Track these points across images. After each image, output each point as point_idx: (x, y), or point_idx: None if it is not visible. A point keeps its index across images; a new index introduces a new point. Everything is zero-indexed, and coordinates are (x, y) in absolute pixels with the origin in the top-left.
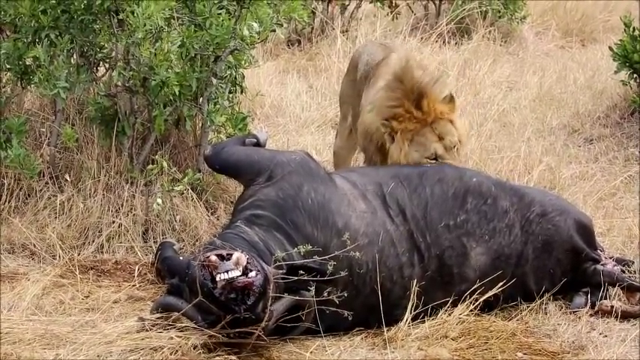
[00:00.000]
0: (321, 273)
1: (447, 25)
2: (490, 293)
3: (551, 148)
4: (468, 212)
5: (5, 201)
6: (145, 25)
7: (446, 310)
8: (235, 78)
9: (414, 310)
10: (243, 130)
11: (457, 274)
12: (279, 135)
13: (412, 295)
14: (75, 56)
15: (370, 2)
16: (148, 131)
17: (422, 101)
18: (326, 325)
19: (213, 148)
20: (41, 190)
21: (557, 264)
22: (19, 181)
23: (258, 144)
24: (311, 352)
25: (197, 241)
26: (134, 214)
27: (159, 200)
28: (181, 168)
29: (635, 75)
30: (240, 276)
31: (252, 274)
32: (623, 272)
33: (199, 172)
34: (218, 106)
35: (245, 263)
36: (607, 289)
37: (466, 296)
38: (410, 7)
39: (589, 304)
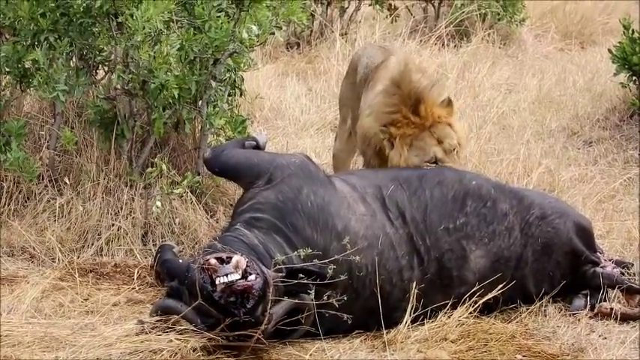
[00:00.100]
0: (320, 276)
1: (446, 27)
2: (489, 296)
3: (551, 151)
4: (467, 215)
5: (5, 204)
6: (144, 28)
7: (445, 313)
8: (234, 81)
9: (414, 313)
10: (242, 133)
11: (456, 277)
12: (279, 138)
13: (412, 298)
14: (74, 59)
15: (369, 5)
16: (147, 134)
17: (419, 106)
18: (325, 328)
19: (213, 151)
20: (40, 193)
21: (556, 266)
22: (18, 184)
23: (257, 147)
24: (310, 355)
25: (196, 244)
26: (133, 217)
27: (158, 203)
28: (181, 171)
29: (634, 77)
30: (240, 279)
31: (252, 277)
32: (623, 274)
33: (199, 174)
34: (217, 108)
35: (245, 266)
36: (606, 292)
37: (465, 299)
38: (409, 10)
39: (588, 306)
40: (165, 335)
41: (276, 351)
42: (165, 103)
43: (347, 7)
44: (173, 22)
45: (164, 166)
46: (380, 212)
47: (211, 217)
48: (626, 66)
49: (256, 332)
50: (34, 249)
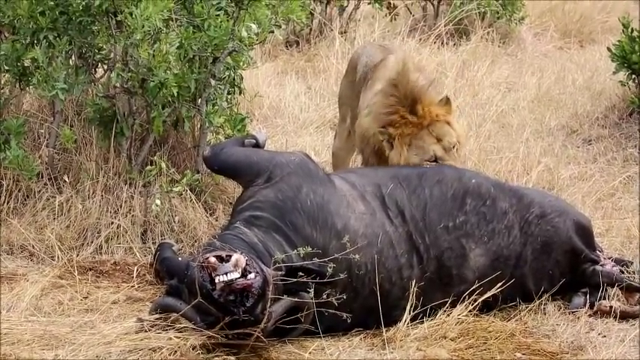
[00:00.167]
0: (320, 274)
1: (445, 26)
2: (489, 294)
3: (550, 149)
4: (467, 213)
5: (4, 202)
6: (143, 26)
7: (445, 311)
8: (234, 79)
9: (413, 311)
10: (241, 131)
11: (456, 275)
12: (278, 136)
13: (411, 296)
14: (73, 57)
15: (368, 3)
16: (146, 132)
17: (416, 106)
18: (325, 326)
19: (212, 149)
20: (40, 191)
21: (556, 265)
22: (17, 182)
23: (257, 145)
24: (310, 353)
25: (196, 242)
26: (133, 215)
27: (157, 201)
28: (180, 169)
29: (633, 76)
30: (239, 278)
31: (251, 275)
32: (622, 273)
33: (198, 173)
34: (217, 107)
35: (244, 265)
36: (606, 290)
37: (465, 297)
38: (408, 9)
39: (588, 304)
40: (165, 333)
41: (276, 349)
42: (164, 101)
43: (346, 6)
44: (172, 20)
45: (163, 164)
46: (379, 210)
47: (211, 215)
48: (626, 64)
49: (256, 330)
50: (33, 247)
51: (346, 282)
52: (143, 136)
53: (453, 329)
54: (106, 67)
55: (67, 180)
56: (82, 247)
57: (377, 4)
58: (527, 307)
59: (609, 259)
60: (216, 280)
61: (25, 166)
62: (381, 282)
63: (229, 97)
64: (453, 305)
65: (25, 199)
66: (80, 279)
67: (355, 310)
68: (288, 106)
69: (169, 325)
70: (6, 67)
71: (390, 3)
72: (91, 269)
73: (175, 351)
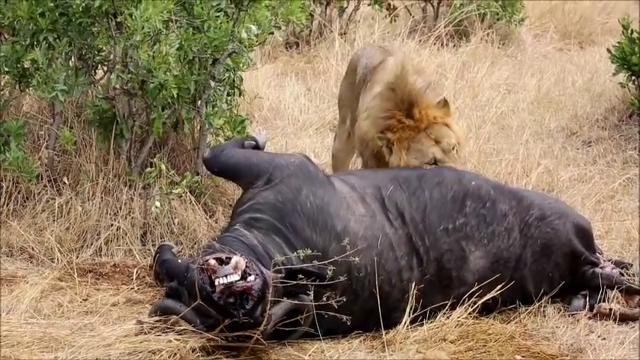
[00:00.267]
0: (320, 277)
1: (445, 27)
2: (488, 296)
3: (550, 151)
4: (466, 216)
5: (4, 204)
6: (143, 27)
7: (444, 313)
8: (234, 81)
9: (413, 314)
10: (241, 133)
11: (456, 278)
12: (278, 138)
13: (411, 299)
14: (73, 59)
15: (368, 5)
16: (146, 134)
17: (413, 110)
18: (325, 328)
19: (212, 151)
20: (39, 193)
21: (555, 267)
22: (17, 184)
23: (257, 147)
24: (309, 356)
25: (196, 244)
26: (132, 217)
27: (157, 203)
28: (180, 171)
29: (633, 77)
30: (239, 280)
31: (251, 278)
32: (622, 275)
33: (198, 174)
34: (216, 108)
35: (244, 267)
36: (605, 292)
37: (465, 299)
38: (408, 10)
39: (587, 306)
40: (165, 335)
41: (275, 352)
42: (164, 102)
43: (346, 7)
44: (172, 21)
45: (163, 166)
46: (379, 213)
47: (210, 217)
48: (625, 66)
49: (255, 333)
50: (33, 249)
51: (346, 284)
52: (143, 138)
53: (453, 332)
54: (105, 68)
55: (66, 182)
56: (82, 249)
57: (377, 6)
58: (526, 310)
59: (609, 261)
60: (216, 283)
61: (24, 168)
62: (380, 284)
63: (229, 98)
64: (453, 308)
65: (25, 201)
66: (80, 281)
67: (355, 312)
68: (287, 107)
69: (169, 328)
70: (6, 69)
71: (389, 4)
72: (90, 271)
73: (175, 353)
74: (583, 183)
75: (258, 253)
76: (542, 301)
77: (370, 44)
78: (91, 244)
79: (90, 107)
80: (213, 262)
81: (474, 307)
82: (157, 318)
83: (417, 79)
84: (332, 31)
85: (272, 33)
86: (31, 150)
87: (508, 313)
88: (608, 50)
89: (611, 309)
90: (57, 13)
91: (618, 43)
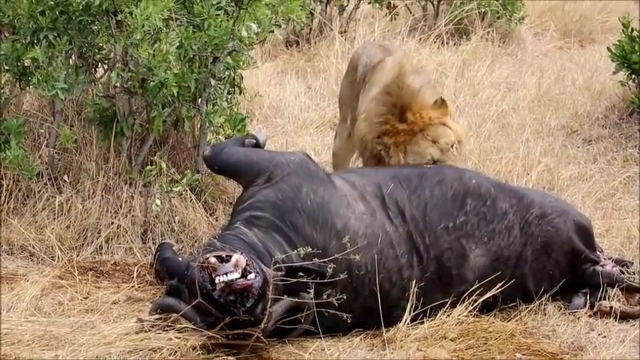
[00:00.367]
0: (320, 275)
1: (445, 26)
2: (489, 294)
3: (550, 149)
4: (467, 214)
5: (4, 202)
6: (143, 26)
7: (445, 311)
8: (234, 79)
9: (413, 312)
10: (241, 131)
11: (456, 276)
12: (278, 136)
13: (411, 297)
14: (73, 57)
15: (368, 3)
16: (146, 132)
17: (405, 114)
18: (325, 326)
19: (213, 149)
20: (40, 191)
21: (556, 265)
22: (17, 182)
23: (257, 145)
24: (310, 354)
25: (196, 242)
26: (133, 215)
27: (158, 201)
28: (180, 169)
29: (633, 75)
30: (240, 278)
31: (252, 276)
32: (622, 273)
33: (198, 173)
34: (217, 107)
35: (244, 265)
36: (606, 290)
37: (465, 297)
38: (408, 8)
39: (588, 304)
40: (165, 334)
41: (276, 350)
42: (164, 101)
43: (346, 5)
44: (172, 20)
45: (163, 164)
46: (379, 211)
47: (211, 215)
48: (626, 64)
49: (256, 331)
50: (33, 247)
51: (346, 282)
52: (143, 136)
53: (453, 330)
54: (106, 66)
55: (67, 180)
56: (82, 247)
57: (377, 4)
58: (527, 308)
59: (609, 259)
60: (217, 281)
61: (25, 166)
62: (381, 282)
63: (229, 96)
64: (453, 306)
65: (25, 199)
66: (80, 279)
67: (355, 310)
68: (288, 105)
69: (169, 326)
70: (6, 67)
71: (390, 3)
72: (91, 269)
73: (175, 351)
74: (583, 181)
75: (258, 251)
76: (543, 299)
77: (371, 42)
78: (92, 242)
79: (90, 105)
80: (213, 260)
81: (475, 305)
82: (157, 316)
83: (414, 79)
84: (332, 30)
85: (272, 31)
86: (32, 148)
87: (508, 311)
88: (609, 49)
89: (611, 307)
90: (57, 12)
91: (618, 41)
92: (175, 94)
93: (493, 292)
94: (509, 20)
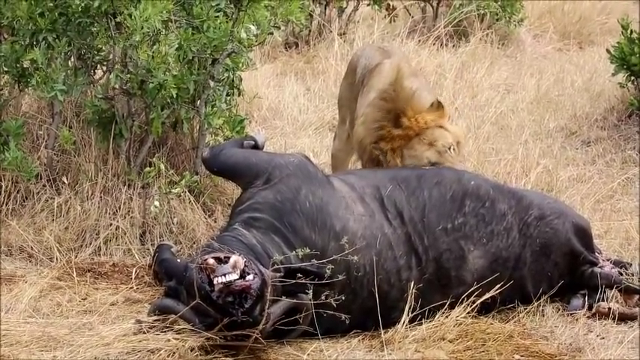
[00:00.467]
0: (318, 276)
1: (444, 27)
2: (487, 296)
3: (549, 151)
4: (465, 215)
5: (3, 203)
6: (142, 27)
7: (443, 313)
8: (233, 80)
9: (412, 313)
10: (240, 133)
11: (455, 277)
12: (277, 137)
13: (410, 298)
14: (72, 59)
15: (368, 5)
16: (145, 134)
17: (400, 119)
18: (324, 327)
19: (211, 151)
20: (39, 192)
21: (554, 267)
22: (16, 183)
23: (256, 146)
24: (308, 355)
25: (194, 243)
26: (131, 217)
27: (156, 203)
28: (179, 170)
29: (632, 77)
30: (238, 279)
31: (250, 277)
32: (621, 274)
33: (197, 174)
34: (215, 108)
35: (243, 266)
36: (604, 292)
37: (463, 299)
38: (407, 10)
39: (586, 306)
40: (163, 335)
41: (274, 351)
42: (163, 102)
43: (345, 7)
44: (171, 21)
45: (162, 166)
46: (378, 212)
47: (209, 216)
48: (625, 66)
49: (254, 332)
50: (32, 248)
51: (345, 283)
52: (142, 138)
53: (452, 331)
54: (105, 68)
55: (65, 181)
56: (81, 248)
57: (376, 6)
58: (525, 309)
59: (608, 260)
60: (215, 282)
61: (23, 168)
62: (379, 283)
63: (228, 98)
64: (452, 307)
65: (24, 201)
66: (79, 280)
67: (354, 311)
68: (287, 107)
69: (168, 327)
70: (5, 69)
71: (389, 4)
72: (89, 271)
73: (174, 352)
74: (582, 183)
75: (257, 252)
76: (541, 300)
77: (370, 44)
78: (90, 244)
79: (89, 107)
80: (212, 261)
81: (473, 306)
82: (155, 317)
83: (411, 83)
84: (331, 31)
85: (271, 33)
86: (30, 150)
87: (507, 312)
88: (608, 50)
89: (609, 308)
90: (56, 13)
91: (617, 43)
92: (174, 95)
93: (492, 293)
94: (508, 22)
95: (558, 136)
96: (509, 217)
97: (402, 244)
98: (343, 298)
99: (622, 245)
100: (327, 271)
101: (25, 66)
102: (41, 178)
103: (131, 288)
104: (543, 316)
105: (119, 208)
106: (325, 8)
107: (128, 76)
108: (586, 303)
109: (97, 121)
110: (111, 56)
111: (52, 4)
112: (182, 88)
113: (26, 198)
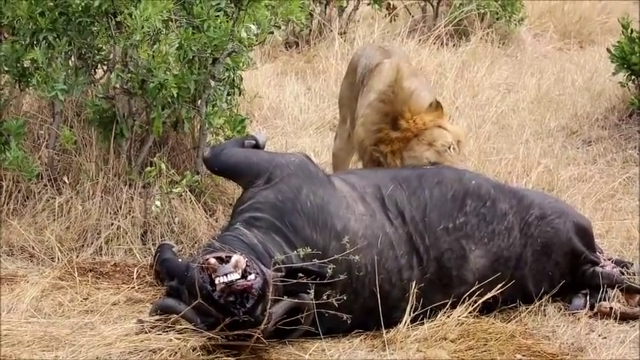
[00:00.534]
0: (320, 276)
1: (445, 27)
2: (489, 295)
3: (550, 150)
4: (466, 215)
5: (4, 203)
6: (142, 27)
7: (445, 312)
8: (233, 80)
9: (413, 312)
10: (241, 133)
11: (456, 277)
12: (278, 137)
13: (411, 298)
14: (73, 58)
15: (368, 4)
16: (146, 133)
17: (398, 122)
18: (325, 327)
19: (212, 150)
20: (40, 192)
21: (556, 266)
22: (17, 183)
23: (257, 146)
24: (310, 354)
25: (196, 243)
26: (133, 217)
27: (157, 202)
28: (180, 170)
29: (633, 76)
30: (239, 279)
31: (251, 276)
32: (622, 274)
33: (198, 174)
34: (216, 108)
35: (244, 266)
36: (606, 291)
37: (465, 298)
38: (408, 10)
39: (588, 305)
40: (165, 334)
41: (276, 350)
42: (164, 102)
43: (346, 7)
44: (172, 21)
45: (163, 166)
46: (379, 212)
47: (210, 216)
48: (625, 65)
49: (256, 332)
50: (33, 248)
51: (346, 283)
52: (143, 137)
53: (453, 330)
54: (105, 67)
55: (66, 181)
56: (82, 248)
57: (376, 5)
58: (527, 309)
59: (609, 260)
60: (216, 282)
61: (24, 167)
62: (381, 283)
63: (229, 98)
64: (453, 306)
65: (25, 200)
66: (80, 280)
67: (355, 311)
68: (287, 107)
69: (169, 327)
70: (6, 68)
71: (389, 4)
72: (91, 270)
73: (175, 352)
74: (583, 182)
75: (258, 252)
76: (543, 300)
77: (370, 44)
78: (92, 244)
79: (90, 106)
80: (213, 260)
81: (475, 306)
82: (157, 317)
83: (411, 83)
84: (332, 31)
85: (272, 32)
86: (31, 149)
87: (508, 312)
88: (608, 50)
89: (611, 308)
90: (57, 13)
91: (618, 42)
92: (175, 95)
93: (493, 293)
94: (508, 21)
95: (559, 136)
96: (511, 216)
97: (404, 243)
98: (345, 297)
99: (623, 245)
100: (329, 270)
101: (25, 65)
102: (42, 178)
103: (133, 288)
104: (545, 315)
105: (120, 207)
106: (325, 7)
107: (129, 75)
108: (588, 302)
109: (98, 120)
110: (111, 56)
111: (52, 4)
112: (183, 87)
113: (27, 198)
